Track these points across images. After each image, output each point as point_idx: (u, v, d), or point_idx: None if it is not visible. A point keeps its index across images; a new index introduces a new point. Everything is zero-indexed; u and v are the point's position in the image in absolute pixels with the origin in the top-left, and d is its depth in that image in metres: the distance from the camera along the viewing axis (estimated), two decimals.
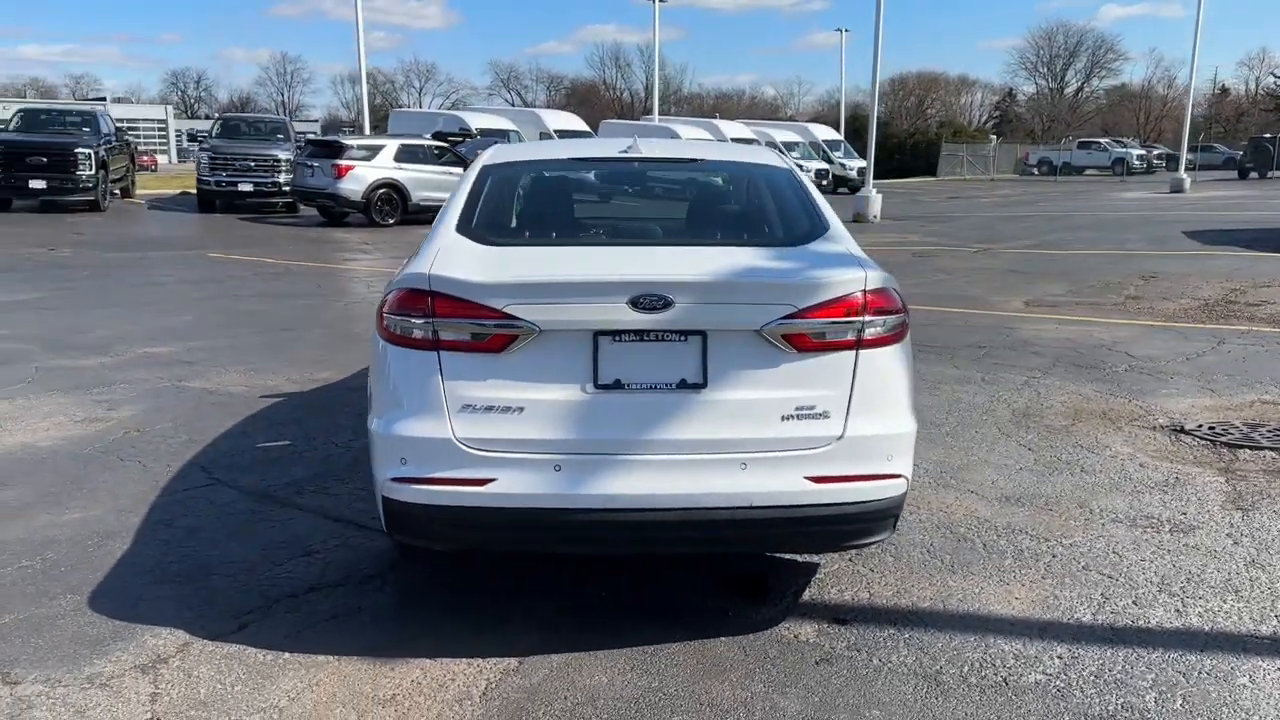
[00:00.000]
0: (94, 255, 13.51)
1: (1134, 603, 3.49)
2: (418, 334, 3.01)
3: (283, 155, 21.14)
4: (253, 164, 21.14)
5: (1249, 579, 3.68)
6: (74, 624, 3.25)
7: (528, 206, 3.99)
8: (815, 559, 3.76)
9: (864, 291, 3.07)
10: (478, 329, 2.97)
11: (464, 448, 2.96)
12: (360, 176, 19.25)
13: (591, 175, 4.37)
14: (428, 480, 2.97)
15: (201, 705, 2.82)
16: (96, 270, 12.01)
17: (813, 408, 3.03)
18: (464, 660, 3.07)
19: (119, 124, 25.28)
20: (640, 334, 2.98)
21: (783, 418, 3.01)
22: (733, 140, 28.50)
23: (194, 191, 22.36)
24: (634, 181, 4.27)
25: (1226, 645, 3.19)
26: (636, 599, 3.48)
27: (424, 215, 20.39)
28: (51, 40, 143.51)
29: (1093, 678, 3.00)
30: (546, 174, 4.33)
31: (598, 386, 2.98)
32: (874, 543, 3.32)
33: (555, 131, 30.36)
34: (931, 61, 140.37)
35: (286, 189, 20.82)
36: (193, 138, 27.72)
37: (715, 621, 3.32)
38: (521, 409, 2.97)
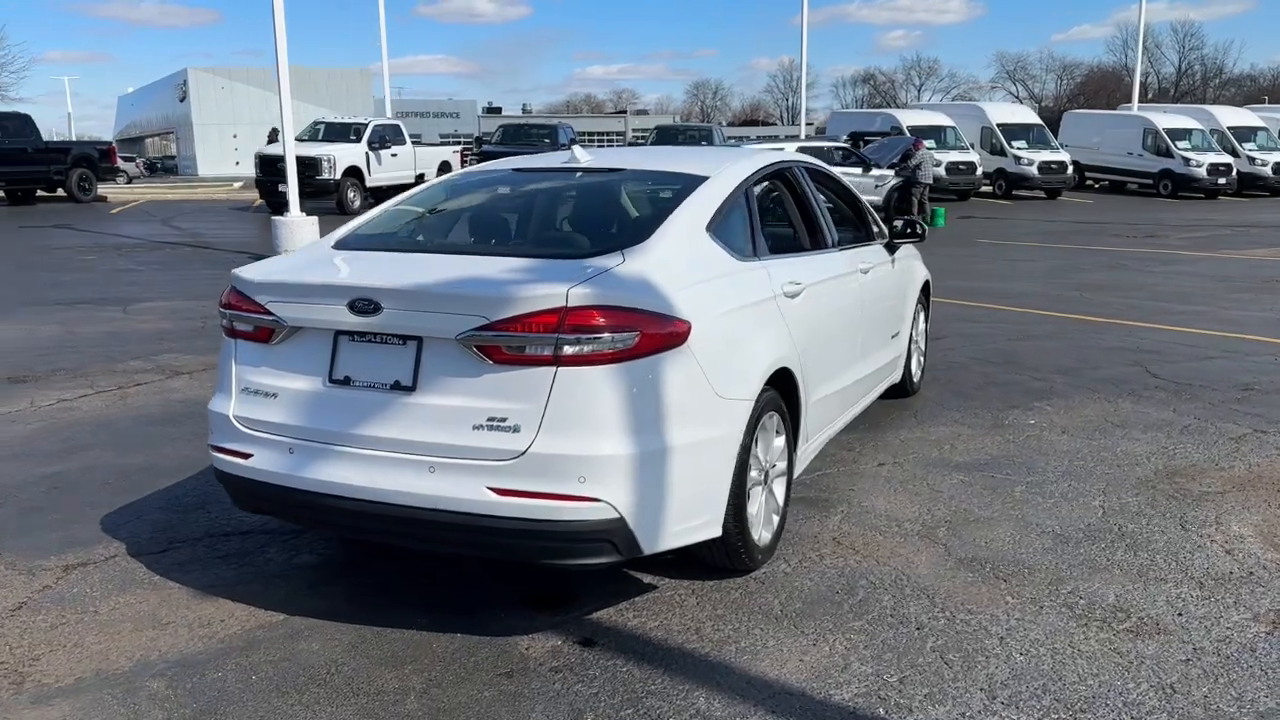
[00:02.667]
0: None
1: None
2: (224, 324, 3.53)
3: None
4: None
5: None
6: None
7: (422, 214, 4.27)
8: (660, 580, 3.66)
9: (564, 309, 2.98)
10: (250, 322, 3.41)
11: (237, 424, 3.42)
12: None
13: (511, 187, 4.52)
14: (219, 449, 3.48)
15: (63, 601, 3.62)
16: None
17: (504, 420, 3.03)
18: (244, 605, 3.54)
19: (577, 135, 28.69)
20: (367, 335, 3.21)
21: (474, 426, 3.05)
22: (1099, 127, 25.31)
23: None
24: (549, 192, 4.35)
25: None
26: (430, 594, 3.62)
27: None
28: (614, 61, 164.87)
29: None
30: (476, 183, 4.58)
31: (331, 381, 3.26)
32: (590, 565, 3.19)
33: (998, 125, 28.74)
34: None
35: None
36: (478, 141, 30.47)
37: (483, 622, 3.40)
38: (276, 395, 3.36)
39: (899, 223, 5.62)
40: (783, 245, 4.36)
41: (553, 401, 2.99)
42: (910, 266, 6.06)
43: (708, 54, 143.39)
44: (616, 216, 3.93)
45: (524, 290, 3.01)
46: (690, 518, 3.30)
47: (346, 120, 23.83)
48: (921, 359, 6.65)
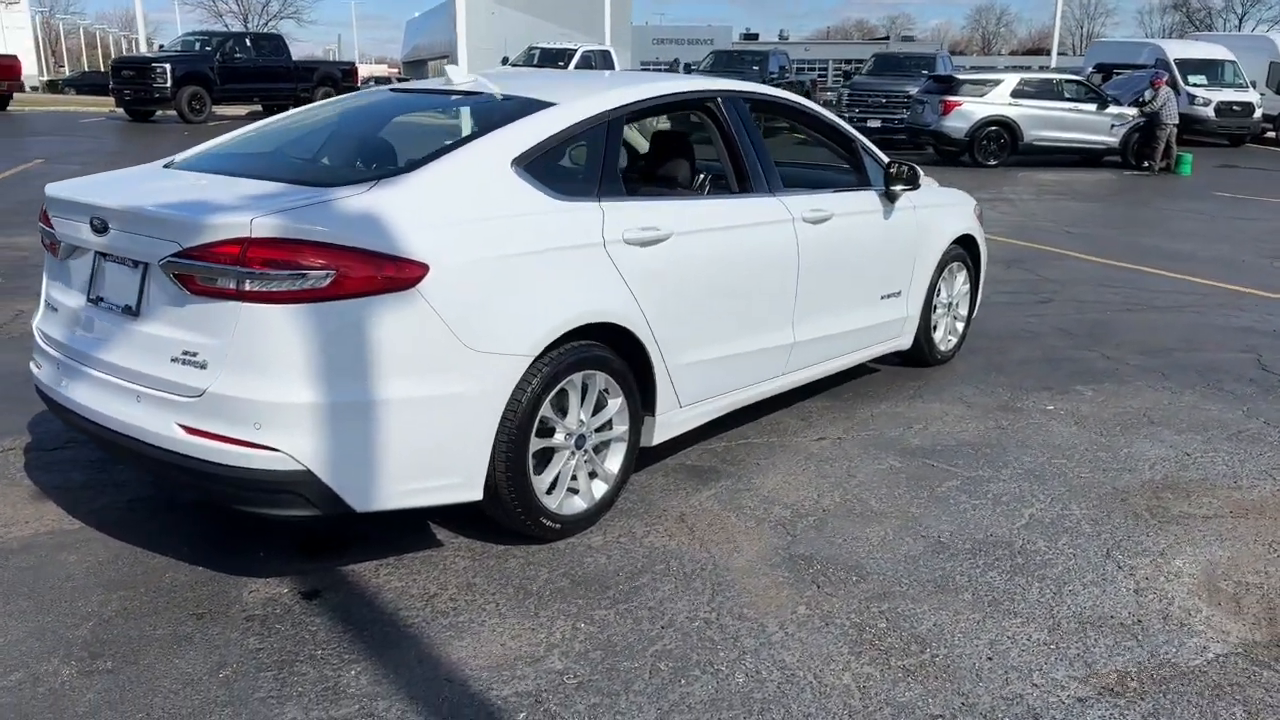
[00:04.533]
0: None
1: None
2: (41, 239, 3.60)
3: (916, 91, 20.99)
4: (884, 100, 21.42)
5: None
6: None
7: (266, 135, 4.08)
8: (457, 538, 3.46)
9: (247, 239, 2.77)
10: (44, 235, 3.45)
11: (36, 335, 3.50)
12: (966, 113, 18.41)
13: (368, 108, 4.26)
14: (32, 360, 3.59)
15: None
16: None
17: (195, 355, 2.89)
18: (60, 511, 3.66)
19: (796, 63, 27.50)
20: (111, 256, 3.15)
21: (171, 359, 2.93)
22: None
23: None
24: (388, 116, 4.07)
25: None
26: (221, 527, 3.55)
27: (1038, 156, 18.77)
28: None
29: None
30: (338, 104, 4.37)
31: (89, 300, 3.25)
32: (289, 517, 3.00)
33: None
34: None
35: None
36: (845, 75, 28.78)
37: (237, 561, 3.33)
38: (58, 310, 3.39)
39: (894, 166, 4.91)
40: (661, 187, 3.90)
41: (236, 340, 2.82)
42: (932, 219, 5.30)
43: None
44: (415, 144, 3.63)
45: (213, 218, 2.84)
46: (430, 477, 3.05)
47: (560, 46, 24.17)
48: (960, 324, 5.86)
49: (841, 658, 2.82)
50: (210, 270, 2.82)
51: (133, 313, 3.06)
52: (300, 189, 3.08)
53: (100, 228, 3.08)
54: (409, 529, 3.54)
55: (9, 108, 26.50)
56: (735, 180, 4.18)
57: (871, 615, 3.05)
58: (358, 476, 2.93)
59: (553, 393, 3.30)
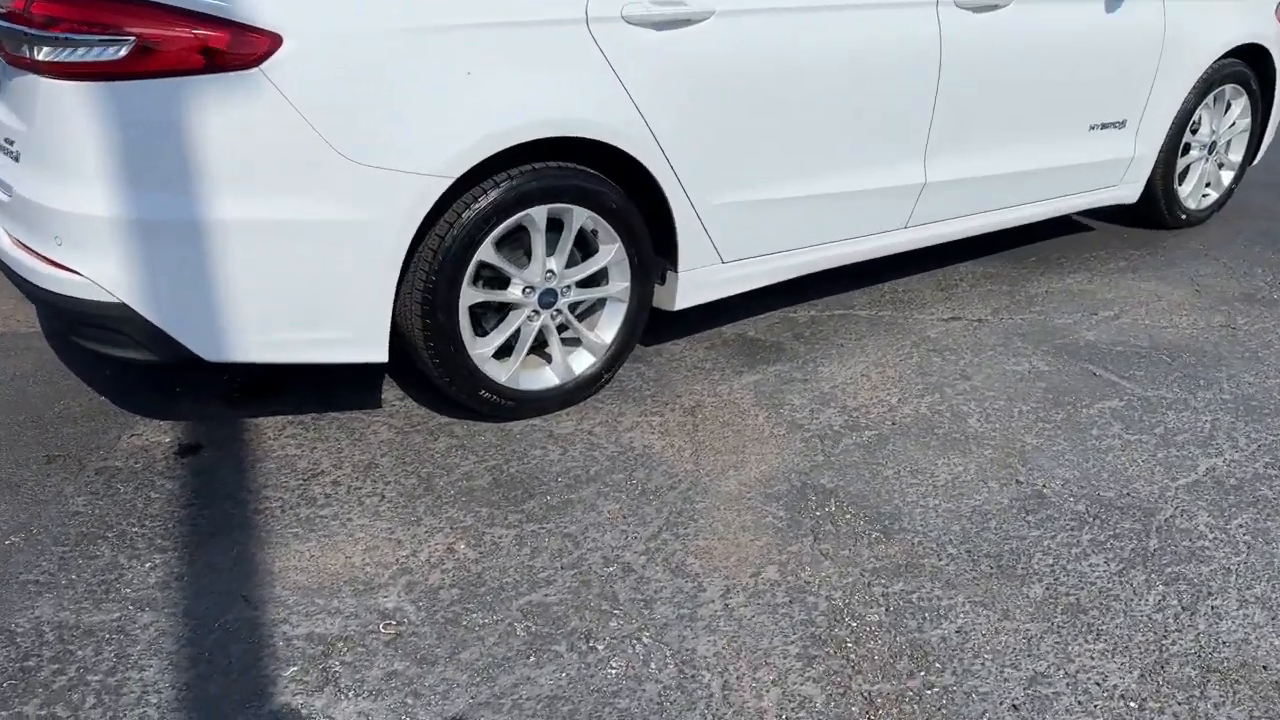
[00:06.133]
0: None
1: None
2: None
3: None
4: None
5: None
6: None
7: None
8: (400, 411, 2.78)
9: None
10: None
11: None
12: None
13: None
14: None
15: None
16: None
17: (11, 144, 2.29)
18: None
19: None
20: None
21: (2, 148, 2.35)
22: None
23: None
24: None
25: None
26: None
27: None
28: None
29: None
30: None
31: None
32: (129, 359, 2.37)
33: None
34: None
35: None
36: None
37: (150, 401, 2.84)
38: None
39: None
40: None
41: (38, 126, 2.18)
42: (1192, 18, 3.72)
43: None
44: None
45: None
46: (303, 328, 2.35)
47: None
48: (1226, 175, 4.28)
49: (780, 666, 1.89)
50: (14, 34, 2.15)
51: None
52: None
53: None
54: (362, 383, 2.89)
55: None
56: None
57: (867, 598, 2.06)
58: (198, 319, 2.26)
59: (499, 229, 2.44)
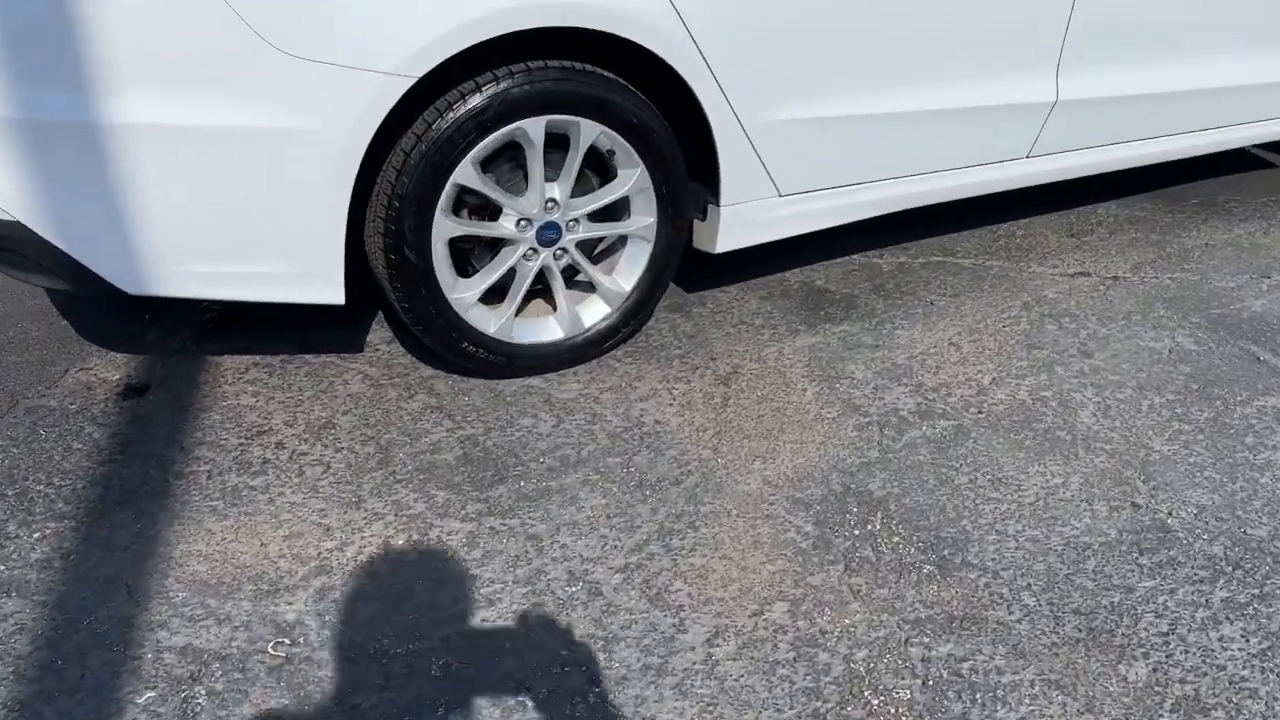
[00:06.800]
0: None
1: None
2: None
3: None
4: None
5: None
6: None
7: None
8: (382, 361, 2.38)
9: None
10: None
11: None
12: None
13: None
14: None
15: None
16: None
17: None
18: None
19: None
20: None
21: None
22: None
23: None
24: None
25: None
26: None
27: None
28: None
29: None
30: None
31: None
32: (50, 286, 2.02)
33: None
34: None
35: None
36: None
37: (115, 332, 2.53)
38: None
39: None
40: None
41: None
42: None
43: None
44: None
45: None
46: (236, 260, 1.94)
47: None
48: None
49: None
50: None
51: None
52: None
53: None
54: (354, 322, 2.50)
55: None
56: None
57: (900, 663, 1.54)
58: (110, 244, 1.87)
59: (482, 144, 1.96)
